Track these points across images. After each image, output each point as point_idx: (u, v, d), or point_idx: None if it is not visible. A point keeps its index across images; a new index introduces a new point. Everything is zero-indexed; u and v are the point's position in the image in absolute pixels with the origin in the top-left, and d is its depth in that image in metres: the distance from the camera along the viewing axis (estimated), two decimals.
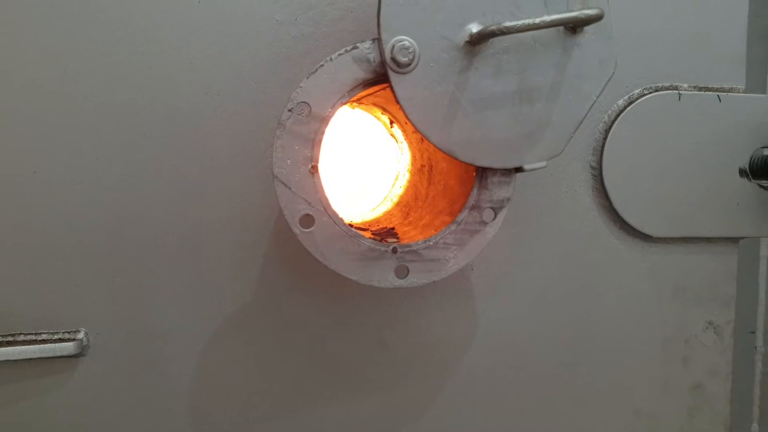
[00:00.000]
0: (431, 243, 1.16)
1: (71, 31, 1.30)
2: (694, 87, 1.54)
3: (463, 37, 1.09)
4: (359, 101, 1.46)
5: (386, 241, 1.18)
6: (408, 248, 1.15)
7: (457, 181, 1.27)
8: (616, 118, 1.51)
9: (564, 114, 1.15)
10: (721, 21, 1.54)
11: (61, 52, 1.30)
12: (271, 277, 1.42)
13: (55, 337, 1.36)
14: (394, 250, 1.14)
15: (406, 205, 1.53)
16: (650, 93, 1.51)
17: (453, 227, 1.16)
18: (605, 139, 1.52)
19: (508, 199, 1.18)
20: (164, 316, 1.39)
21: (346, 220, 1.53)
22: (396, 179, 1.65)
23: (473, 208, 1.17)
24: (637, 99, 1.51)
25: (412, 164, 1.55)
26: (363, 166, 1.67)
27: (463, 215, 1.17)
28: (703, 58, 1.54)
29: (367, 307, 1.47)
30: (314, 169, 1.10)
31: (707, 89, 1.55)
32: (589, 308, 1.56)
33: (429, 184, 1.44)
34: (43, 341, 1.35)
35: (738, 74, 1.56)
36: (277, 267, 1.42)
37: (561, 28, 1.10)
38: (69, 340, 1.34)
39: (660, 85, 1.53)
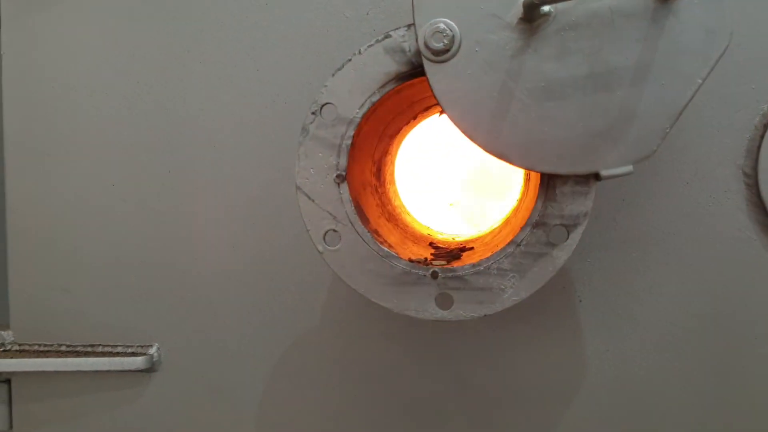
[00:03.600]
0: (481, 268, 0.94)
1: (145, 42, 1.33)
2: None
3: (516, 13, 0.89)
4: None
5: (431, 264, 0.98)
6: (452, 273, 0.94)
7: (536, 192, 1.04)
8: None
9: (656, 103, 0.88)
10: None
11: (135, 64, 1.34)
12: (341, 301, 1.30)
13: (129, 350, 1.38)
14: (434, 275, 0.94)
15: (508, 219, 1.33)
16: None
17: (510, 249, 0.93)
18: (762, 137, 1.17)
19: (586, 215, 0.92)
20: (235, 338, 1.35)
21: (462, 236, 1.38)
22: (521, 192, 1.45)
23: (537, 225, 0.93)
24: None
25: (525, 172, 1.33)
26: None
27: (524, 234, 0.93)
28: None
29: (444, 336, 1.28)
30: (340, 179, 0.96)
31: None
32: (739, 356, 1.20)
33: (525, 196, 1.23)
34: (118, 354, 1.36)
35: None
36: (347, 290, 1.28)
37: None
38: (141, 354, 1.35)
39: None
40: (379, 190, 1.31)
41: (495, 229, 1.37)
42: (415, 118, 1.38)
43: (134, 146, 1.34)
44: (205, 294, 1.34)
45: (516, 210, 1.28)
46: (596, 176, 0.92)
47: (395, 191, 1.51)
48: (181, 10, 1.31)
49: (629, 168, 0.90)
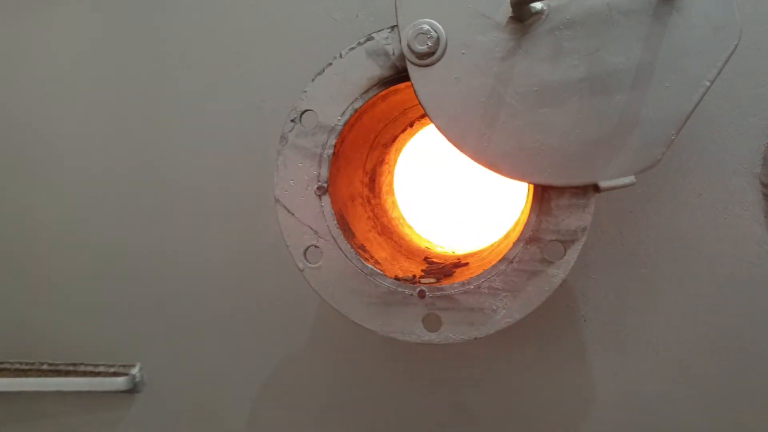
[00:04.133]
0: (471, 286, 0.87)
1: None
2: None
3: (505, 12, 0.83)
4: None
5: (419, 282, 0.92)
6: (440, 292, 0.87)
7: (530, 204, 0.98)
8: None
9: (659, 107, 0.81)
10: None
11: (111, 71, 1.29)
12: (331, 320, 1.23)
13: (111, 370, 1.33)
14: (421, 294, 0.88)
15: (508, 233, 1.25)
16: None
17: (502, 266, 0.86)
18: None
19: (584, 230, 0.85)
20: (221, 357, 1.29)
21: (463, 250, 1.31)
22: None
23: (531, 241, 0.86)
24: None
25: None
26: None
27: (516, 251, 0.86)
28: None
29: (440, 360, 1.21)
30: (321, 191, 0.90)
31: None
32: (759, 380, 1.11)
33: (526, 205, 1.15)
34: (100, 374, 1.32)
35: None
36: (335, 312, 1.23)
37: None
38: (123, 374, 1.30)
39: None
40: (372, 201, 1.24)
41: (495, 243, 1.30)
42: (411, 125, 1.32)
43: (112, 157, 1.29)
44: (190, 311, 1.29)
45: (517, 222, 1.21)
46: (595, 188, 0.85)
47: (393, 202, 1.44)
48: (158, 11, 1.26)
49: (631, 179, 0.83)
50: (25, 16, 1.29)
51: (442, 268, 1.06)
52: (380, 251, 1.04)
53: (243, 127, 1.24)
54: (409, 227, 1.45)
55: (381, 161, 1.31)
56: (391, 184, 1.44)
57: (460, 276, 0.99)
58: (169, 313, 1.30)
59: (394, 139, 1.32)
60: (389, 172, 1.42)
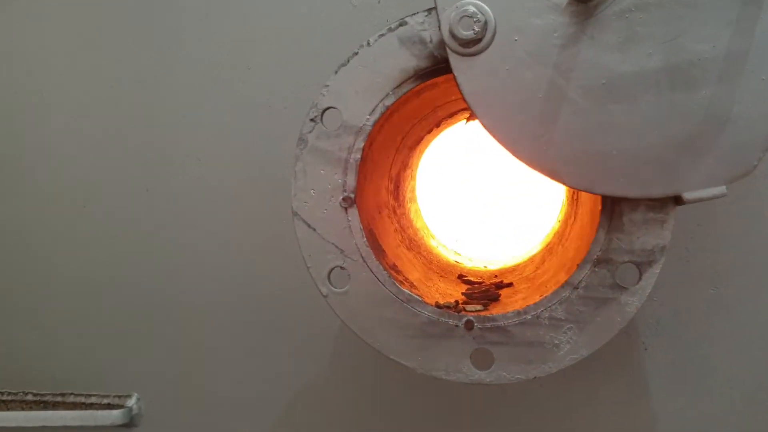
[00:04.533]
0: (528, 317, 0.74)
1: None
2: None
3: None
4: None
5: (464, 309, 0.79)
6: (491, 322, 0.75)
7: (590, 218, 0.85)
8: None
9: (754, 103, 0.69)
10: None
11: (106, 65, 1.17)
12: (353, 346, 1.10)
13: (105, 401, 1.20)
14: (469, 325, 0.75)
15: (552, 248, 1.13)
16: None
17: (566, 292, 0.74)
18: None
19: (663, 249, 0.72)
20: (227, 387, 1.18)
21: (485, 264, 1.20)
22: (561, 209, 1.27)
23: (600, 262, 0.73)
24: None
25: (568, 189, 1.15)
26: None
27: (583, 274, 0.73)
28: None
29: (480, 396, 1.08)
30: (348, 202, 0.77)
31: None
32: None
33: (574, 219, 1.03)
34: (92, 405, 1.20)
35: None
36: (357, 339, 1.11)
37: None
38: (118, 406, 1.18)
39: None
40: (397, 212, 1.11)
41: (535, 256, 1.17)
42: (438, 125, 1.19)
43: (106, 163, 1.17)
44: (192, 335, 1.16)
45: (561, 234, 1.08)
46: (676, 200, 0.72)
47: (416, 210, 1.31)
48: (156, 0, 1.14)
49: (721, 189, 0.70)
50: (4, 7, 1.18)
51: (485, 291, 0.93)
52: (413, 271, 0.91)
53: (249, 128, 1.12)
54: (434, 238, 1.33)
55: (405, 165, 1.19)
56: (414, 190, 1.31)
57: (509, 300, 0.87)
58: (169, 336, 1.18)
59: (419, 141, 1.19)
60: (412, 177, 1.29)
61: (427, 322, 0.76)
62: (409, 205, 1.28)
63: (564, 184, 0.72)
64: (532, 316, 0.75)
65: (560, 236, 1.08)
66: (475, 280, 1.03)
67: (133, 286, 1.18)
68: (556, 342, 0.75)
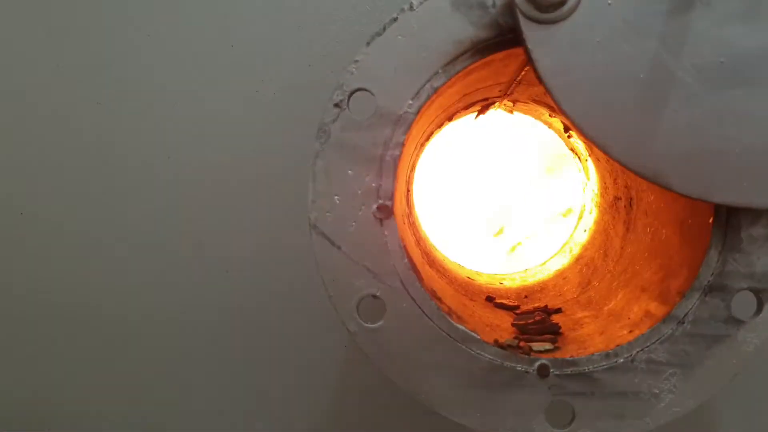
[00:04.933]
0: (620, 360, 0.59)
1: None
2: None
3: None
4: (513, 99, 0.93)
5: (529, 349, 0.63)
6: (572, 367, 0.59)
7: (678, 231, 0.70)
8: None
9: None
10: None
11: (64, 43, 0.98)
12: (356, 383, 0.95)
13: None
14: (543, 371, 0.59)
15: (590, 263, 0.98)
16: None
17: (668, 328, 0.59)
18: None
19: None
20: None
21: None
22: (580, 217, 1.13)
23: (712, 290, 0.59)
24: None
25: (602, 195, 1.02)
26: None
27: (691, 304, 0.59)
28: None
29: None
30: (384, 212, 0.60)
31: None
32: None
33: (627, 230, 0.89)
34: None
35: None
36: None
37: None
38: None
39: None
40: (410, 219, 0.95)
41: (565, 272, 1.02)
42: (450, 118, 1.03)
43: (65, 156, 0.98)
44: (175, 363, 0.99)
45: (603, 247, 0.93)
46: None
47: (417, 217, 1.15)
48: None
49: None
50: None
51: (540, 322, 0.76)
52: (445, 296, 0.74)
53: (239, 116, 0.94)
54: (437, 249, 1.17)
55: (414, 164, 1.02)
56: (413, 194, 1.15)
57: (574, 335, 0.70)
58: (149, 364, 1.01)
59: (429, 137, 1.02)
60: (413, 179, 1.13)
61: (488, 367, 0.60)
62: (414, 211, 1.12)
63: (671, 189, 0.57)
64: (624, 359, 0.59)
65: (603, 249, 0.94)
66: (509, 303, 0.87)
67: (90, 305, 1.02)
68: (655, 391, 0.60)
